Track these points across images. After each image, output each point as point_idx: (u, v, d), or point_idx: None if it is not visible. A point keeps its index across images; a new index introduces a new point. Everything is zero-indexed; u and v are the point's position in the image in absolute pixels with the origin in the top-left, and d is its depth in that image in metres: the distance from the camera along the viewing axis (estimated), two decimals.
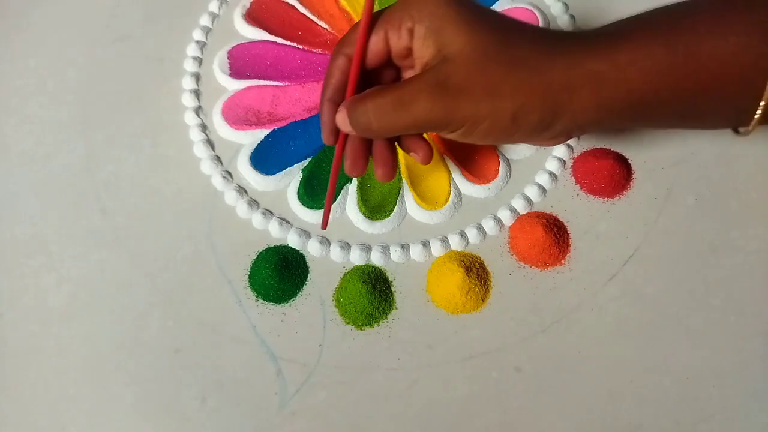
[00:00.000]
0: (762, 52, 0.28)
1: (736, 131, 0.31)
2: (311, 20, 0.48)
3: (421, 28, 0.30)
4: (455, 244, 0.40)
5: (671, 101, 0.29)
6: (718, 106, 0.30)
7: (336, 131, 0.33)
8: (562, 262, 0.40)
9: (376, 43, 0.31)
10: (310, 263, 0.40)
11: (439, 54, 0.30)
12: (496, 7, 0.48)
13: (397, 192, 0.42)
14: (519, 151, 0.43)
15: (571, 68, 0.28)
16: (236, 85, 0.46)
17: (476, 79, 0.29)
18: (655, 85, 0.29)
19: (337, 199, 0.41)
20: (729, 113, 0.31)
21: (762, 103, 0.28)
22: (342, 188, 0.42)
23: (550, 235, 0.39)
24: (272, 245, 0.40)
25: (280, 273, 0.39)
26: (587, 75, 0.28)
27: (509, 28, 0.30)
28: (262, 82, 0.46)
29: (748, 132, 0.30)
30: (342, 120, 0.32)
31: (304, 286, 0.39)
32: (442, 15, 0.29)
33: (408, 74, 0.33)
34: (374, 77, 0.33)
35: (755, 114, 0.29)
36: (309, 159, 0.43)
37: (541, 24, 0.47)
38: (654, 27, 0.29)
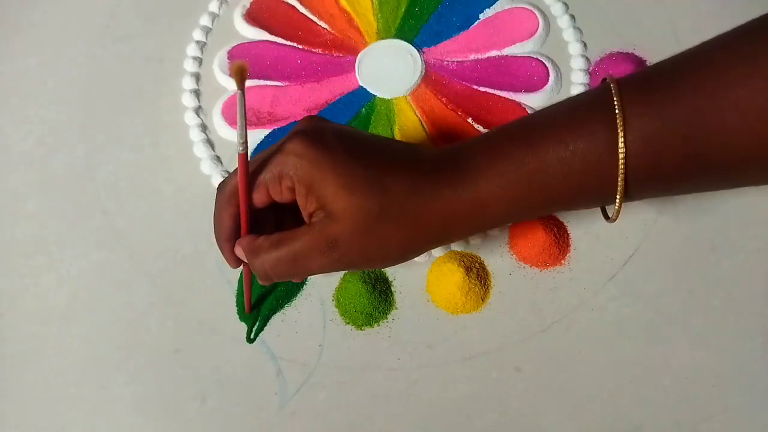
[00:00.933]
0: (608, 158, 0.29)
1: (606, 217, 0.33)
2: (311, 20, 0.48)
3: (301, 188, 0.31)
4: (455, 243, 0.40)
5: (532, 214, 0.33)
6: (580, 207, 0.33)
7: (238, 260, 0.34)
8: (562, 262, 0.40)
9: (259, 197, 0.32)
10: None
11: (323, 209, 0.31)
12: (496, 8, 0.48)
13: None
14: None
15: (444, 213, 0.31)
16: None
17: (364, 238, 0.31)
18: (516, 209, 0.31)
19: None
20: (593, 206, 0.33)
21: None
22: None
23: (550, 235, 0.39)
24: None
25: None
26: (458, 216, 0.31)
27: (385, 177, 0.30)
28: (262, 82, 0.46)
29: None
30: (241, 253, 0.33)
31: (304, 286, 0.39)
32: (319, 177, 0.30)
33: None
34: None
35: (615, 206, 0.31)
36: None
37: (541, 25, 0.47)
38: (508, 159, 0.31)
